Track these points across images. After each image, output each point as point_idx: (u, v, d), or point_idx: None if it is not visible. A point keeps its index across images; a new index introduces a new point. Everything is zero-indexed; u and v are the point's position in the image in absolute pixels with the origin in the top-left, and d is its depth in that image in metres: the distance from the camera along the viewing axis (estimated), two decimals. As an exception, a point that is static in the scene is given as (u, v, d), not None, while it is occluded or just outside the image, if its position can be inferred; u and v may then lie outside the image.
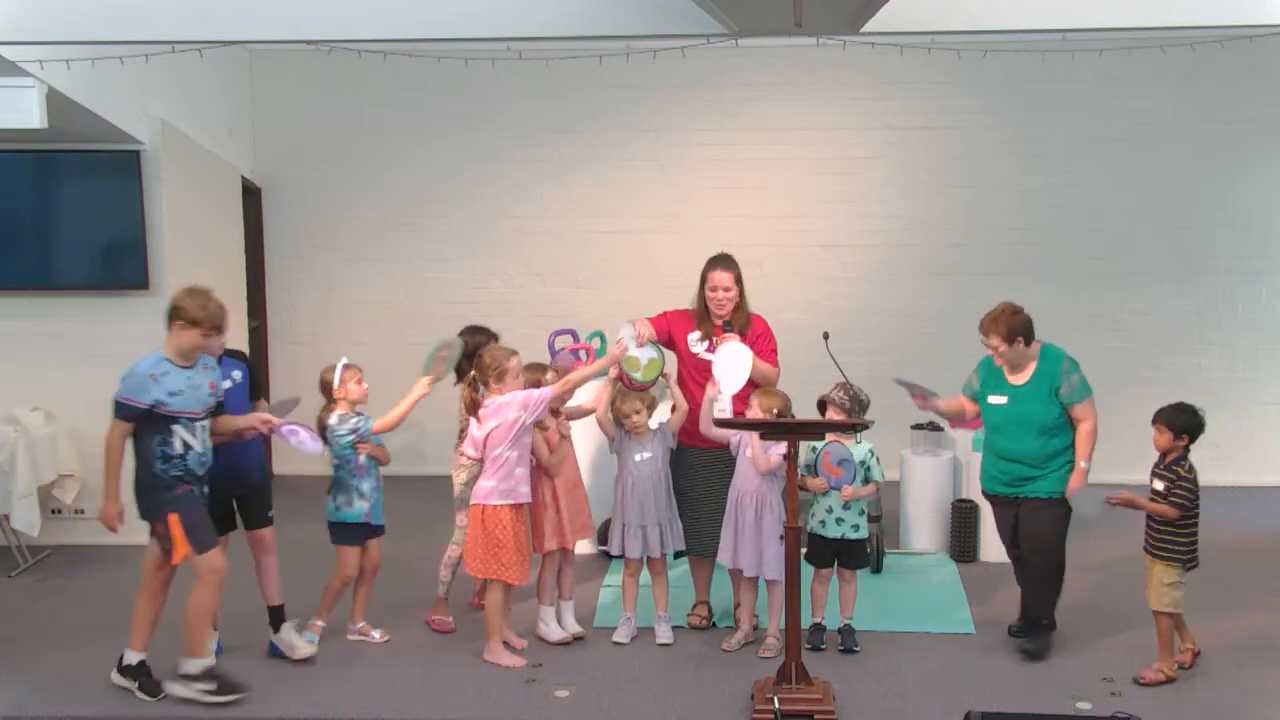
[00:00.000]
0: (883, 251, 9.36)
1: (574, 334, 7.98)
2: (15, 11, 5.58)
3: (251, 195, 9.39)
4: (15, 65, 6.00)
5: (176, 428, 5.09)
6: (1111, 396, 9.23)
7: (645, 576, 6.02)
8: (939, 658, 5.79)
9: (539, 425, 5.72)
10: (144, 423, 5.08)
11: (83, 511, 7.67)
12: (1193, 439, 5.38)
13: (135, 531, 8.19)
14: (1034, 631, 5.80)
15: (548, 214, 9.50)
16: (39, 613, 6.52)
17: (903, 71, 8.92)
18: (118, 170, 7.52)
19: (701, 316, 6.08)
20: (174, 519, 5.09)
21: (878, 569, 7.14)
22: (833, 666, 5.61)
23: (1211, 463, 9.16)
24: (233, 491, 5.66)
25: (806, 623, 5.86)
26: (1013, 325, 5.58)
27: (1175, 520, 5.37)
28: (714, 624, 6.16)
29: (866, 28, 5.64)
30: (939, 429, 7.77)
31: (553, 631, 5.91)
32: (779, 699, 4.99)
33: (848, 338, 6.55)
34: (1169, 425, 5.36)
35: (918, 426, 7.77)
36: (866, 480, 5.87)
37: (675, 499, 6.01)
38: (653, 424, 5.98)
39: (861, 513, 5.88)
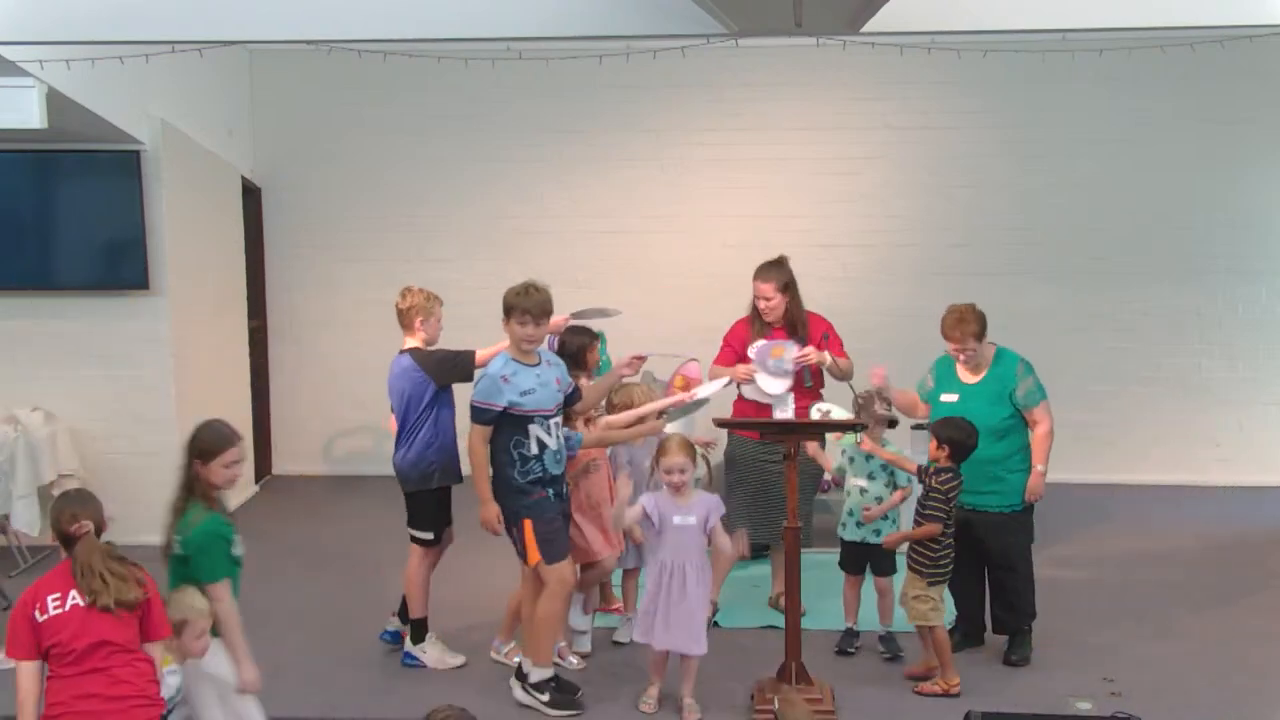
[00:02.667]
0: (883, 251, 9.36)
1: (574, 334, 7.98)
2: (15, 11, 5.58)
3: (251, 195, 9.39)
4: (15, 65, 5.99)
5: (532, 427, 5.03)
6: (1111, 397, 9.31)
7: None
8: (939, 658, 5.79)
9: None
10: (499, 426, 5.04)
11: (83, 511, 7.66)
12: (954, 453, 5.35)
13: (134, 532, 8.19)
14: (1017, 640, 5.71)
15: (548, 214, 9.50)
16: (39, 613, 6.51)
17: (903, 71, 8.91)
18: (118, 170, 7.52)
19: (755, 321, 6.17)
20: (529, 525, 5.07)
21: (878, 569, 7.13)
22: (833, 667, 5.61)
23: (1212, 463, 9.24)
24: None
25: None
26: (981, 323, 5.59)
27: (934, 533, 5.34)
28: (716, 623, 6.16)
29: (866, 28, 5.63)
30: (939, 429, 7.76)
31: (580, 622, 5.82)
32: (779, 699, 4.99)
33: (848, 338, 6.53)
34: (933, 433, 5.45)
35: (918, 427, 7.76)
36: (893, 486, 5.75)
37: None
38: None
39: (885, 518, 5.78)
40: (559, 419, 5.16)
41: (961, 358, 5.61)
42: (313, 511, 8.71)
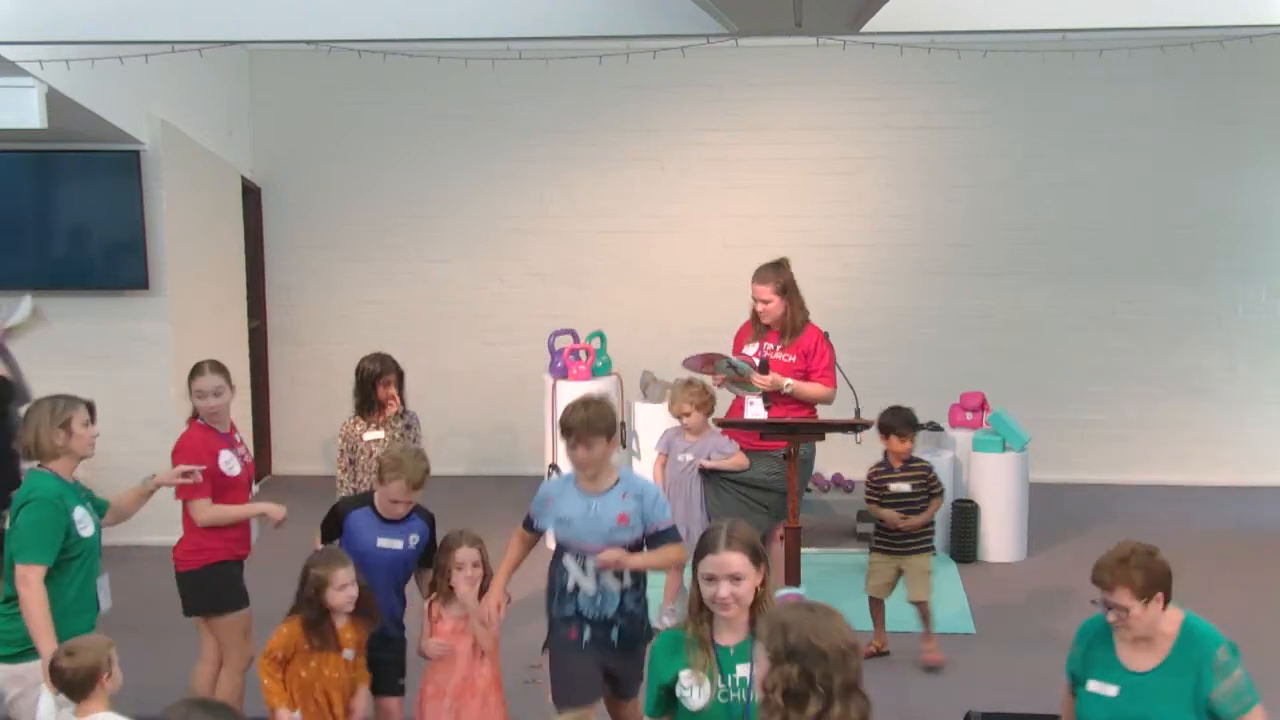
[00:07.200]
0: (883, 251, 9.35)
1: (574, 334, 7.98)
2: (15, 11, 5.58)
3: (251, 195, 9.38)
4: (15, 65, 5.99)
5: (566, 559, 4.37)
6: (1111, 397, 9.31)
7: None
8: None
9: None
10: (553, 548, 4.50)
11: (83, 511, 7.67)
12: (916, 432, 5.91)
13: (135, 532, 8.18)
14: None
15: (548, 214, 9.49)
16: (39, 613, 6.50)
17: (903, 71, 8.91)
18: (118, 170, 7.52)
19: (754, 323, 6.09)
20: (547, 659, 4.52)
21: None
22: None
23: (1212, 463, 9.24)
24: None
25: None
26: (1151, 573, 3.58)
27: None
28: None
29: (866, 28, 5.63)
30: (939, 429, 7.77)
31: None
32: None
33: (848, 338, 6.54)
34: (910, 426, 5.88)
35: (918, 427, 7.76)
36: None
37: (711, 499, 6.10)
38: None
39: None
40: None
41: (1112, 619, 3.61)
42: (313, 511, 8.68)
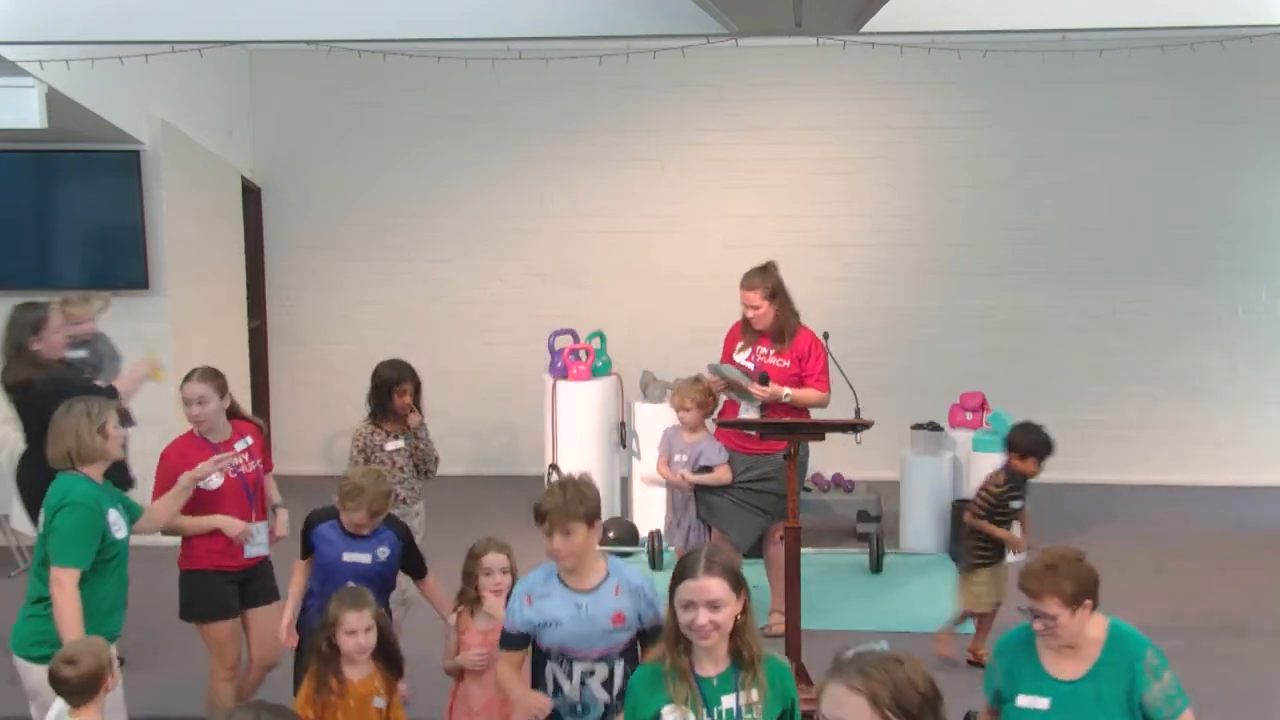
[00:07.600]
0: (883, 251, 9.35)
1: (574, 334, 7.99)
2: (15, 11, 5.58)
3: (251, 195, 9.38)
4: (15, 65, 6.00)
5: (550, 665, 3.74)
6: (1111, 397, 9.31)
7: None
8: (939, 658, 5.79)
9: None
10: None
11: (83, 511, 7.66)
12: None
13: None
14: None
15: (548, 214, 9.49)
16: (39, 613, 6.50)
17: (903, 71, 8.90)
18: (118, 170, 7.53)
19: (746, 327, 6.06)
20: None
21: (878, 569, 7.15)
22: (833, 666, 5.60)
23: (1212, 463, 9.24)
24: None
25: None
26: (1080, 580, 3.47)
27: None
28: None
29: (866, 28, 5.63)
30: (939, 429, 7.77)
31: None
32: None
33: (848, 338, 6.53)
34: (1045, 446, 5.78)
35: (918, 426, 7.77)
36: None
37: (702, 506, 6.07)
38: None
39: None
40: (598, 668, 3.72)
41: (1039, 628, 3.50)
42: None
